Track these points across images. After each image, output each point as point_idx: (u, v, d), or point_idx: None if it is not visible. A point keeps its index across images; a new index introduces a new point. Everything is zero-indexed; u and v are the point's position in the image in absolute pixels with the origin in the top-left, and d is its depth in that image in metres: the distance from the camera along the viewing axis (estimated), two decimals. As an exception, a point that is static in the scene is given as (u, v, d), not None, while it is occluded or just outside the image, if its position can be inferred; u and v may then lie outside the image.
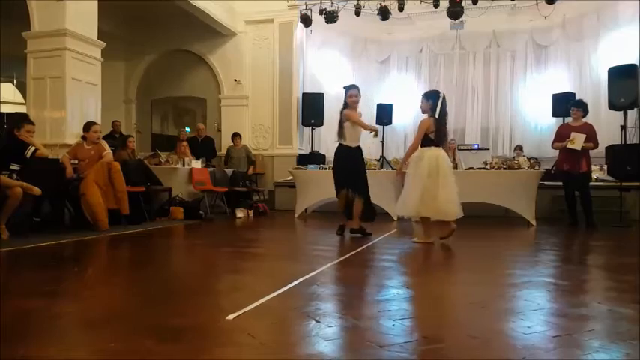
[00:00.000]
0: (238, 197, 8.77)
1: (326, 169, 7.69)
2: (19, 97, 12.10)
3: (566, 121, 7.70)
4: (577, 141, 6.58)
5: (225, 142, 10.23)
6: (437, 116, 4.68)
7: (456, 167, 7.28)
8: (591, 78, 9.80)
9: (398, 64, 11.64)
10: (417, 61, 11.52)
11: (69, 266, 3.83)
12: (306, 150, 10.40)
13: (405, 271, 3.80)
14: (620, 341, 1.90)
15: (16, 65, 9.18)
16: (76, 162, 6.04)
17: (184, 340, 1.87)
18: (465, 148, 10.45)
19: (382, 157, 9.91)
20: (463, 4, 8.81)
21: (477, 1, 8.72)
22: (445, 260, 4.27)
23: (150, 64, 11.40)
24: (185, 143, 9.17)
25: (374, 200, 7.08)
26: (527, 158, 7.50)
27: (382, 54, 11.69)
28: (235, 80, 10.55)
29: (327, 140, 10.20)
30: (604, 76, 8.63)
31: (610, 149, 8.01)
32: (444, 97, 4.75)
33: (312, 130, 10.31)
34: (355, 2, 9.39)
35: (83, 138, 6.22)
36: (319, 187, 7.42)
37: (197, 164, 8.35)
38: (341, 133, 5.29)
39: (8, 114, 10.49)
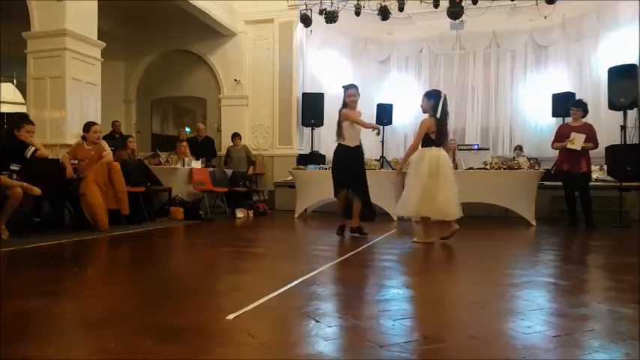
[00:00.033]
0: (238, 197, 8.77)
1: (326, 169, 7.69)
2: (19, 97, 12.10)
3: (566, 121, 7.70)
4: (577, 141, 6.58)
5: (225, 142, 10.23)
6: (438, 116, 4.67)
7: (456, 167, 7.27)
8: (591, 78, 9.80)
9: (398, 64, 11.65)
10: (417, 61, 11.53)
11: (69, 266, 3.84)
12: (306, 150, 10.40)
13: (405, 271, 3.80)
14: (620, 341, 1.90)
15: (16, 65, 9.18)
16: (76, 162, 6.04)
17: (184, 340, 1.87)
18: (465, 148, 10.45)
19: (382, 157, 9.91)
20: (463, 4, 8.82)
21: (477, 1, 8.72)
22: (445, 260, 4.27)
23: (150, 64, 11.40)
24: (185, 143, 9.17)
25: (374, 200, 7.08)
26: (527, 158, 7.50)
27: (382, 54, 11.69)
28: (235, 80, 10.56)
29: (327, 140, 10.19)
30: (604, 76, 8.63)
31: (610, 149, 8.01)
32: (445, 97, 4.75)
33: (312, 130, 10.31)
34: (355, 2, 9.39)
35: (83, 138, 6.23)
36: (319, 187, 7.41)
37: (197, 164, 8.35)
38: (339, 133, 5.29)
39: (8, 114, 10.49)
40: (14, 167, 5.04)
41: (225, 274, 3.57)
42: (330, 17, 9.48)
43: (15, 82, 12.30)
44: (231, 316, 2.15)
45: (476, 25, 9.92)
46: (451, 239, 4.80)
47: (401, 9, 9.28)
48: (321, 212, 8.39)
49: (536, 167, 7.15)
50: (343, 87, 5.39)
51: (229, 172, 9.17)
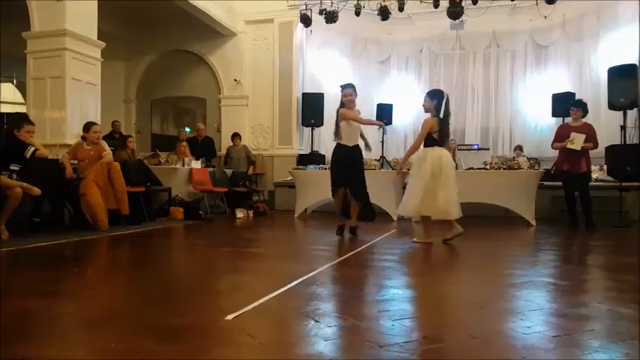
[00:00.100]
0: (238, 197, 8.77)
1: (325, 169, 7.69)
2: (19, 97, 12.09)
3: (566, 121, 7.70)
4: (577, 141, 6.58)
5: (225, 142, 10.23)
6: (441, 116, 4.68)
7: (456, 167, 7.26)
8: (591, 78, 9.80)
9: (398, 64, 11.65)
10: (417, 61, 11.53)
11: (69, 266, 3.84)
12: (306, 150, 10.40)
13: (405, 271, 3.80)
14: (619, 341, 1.90)
15: (16, 65, 9.18)
16: (76, 162, 6.04)
17: (184, 340, 1.87)
18: (465, 148, 10.46)
19: (382, 157, 9.91)
20: (463, 4, 8.82)
21: (476, 1, 8.72)
22: (445, 260, 4.27)
23: (150, 64, 11.40)
24: (185, 143, 9.17)
25: (374, 200, 7.08)
26: (527, 158, 7.50)
27: (382, 54, 11.69)
28: (235, 80, 10.56)
29: (326, 140, 10.19)
30: (604, 76, 8.63)
31: (610, 149, 8.01)
32: (447, 98, 4.76)
33: (312, 130, 10.31)
34: (355, 2, 9.39)
35: (83, 138, 6.23)
36: (319, 187, 7.41)
37: (197, 164, 8.35)
38: (337, 133, 5.29)
39: (8, 114, 10.48)
40: (14, 167, 5.04)
41: (225, 274, 3.57)
42: (330, 17, 9.48)
43: (15, 82, 12.30)
44: (230, 316, 2.15)
45: (476, 25, 9.91)
46: (451, 239, 4.80)
47: (401, 9, 9.28)
48: (320, 212, 8.39)
49: (536, 167, 7.14)
50: (340, 86, 5.40)
51: (229, 172, 9.17)
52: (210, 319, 2.18)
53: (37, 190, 4.92)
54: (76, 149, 6.12)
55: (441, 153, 4.66)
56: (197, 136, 9.96)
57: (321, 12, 9.54)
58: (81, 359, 1.75)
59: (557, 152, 7.05)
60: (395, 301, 2.51)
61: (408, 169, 7.58)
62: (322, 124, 10.03)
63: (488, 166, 7.43)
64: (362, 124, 5.34)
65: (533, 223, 6.83)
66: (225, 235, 6.13)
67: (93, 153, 6.01)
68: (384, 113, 10.52)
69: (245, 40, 10.58)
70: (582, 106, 6.87)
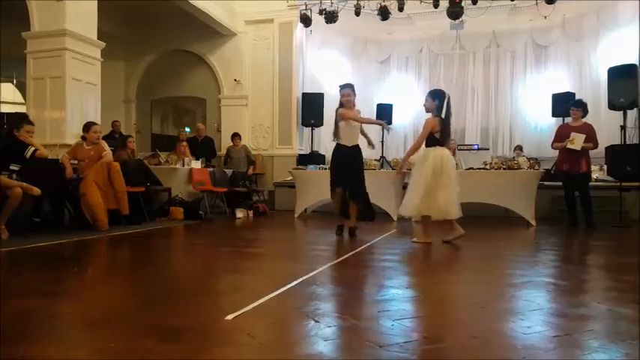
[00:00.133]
0: (238, 197, 8.77)
1: (325, 169, 7.69)
2: (19, 97, 12.09)
3: (566, 121, 7.70)
4: (577, 141, 6.58)
5: (225, 142, 10.23)
6: (443, 116, 4.68)
7: (456, 167, 7.27)
8: (591, 78, 9.80)
9: (398, 64, 11.65)
10: (417, 61, 11.53)
11: (69, 266, 3.84)
12: (305, 150, 10.40)
13: (405, 271, 3.80)
14: (619, 341, 1.90)
15: (16, 65, 9.17)
16: (76, 162, 6.04)
17: (184, 340, 1.87)
18: (465, 148, 10.45)
19: (382, 157, 9.91)
20: (463, 4, 8.81)
21: (476, 1, 8.72)
22: (445, 260, 4.27)
23: (150, 64, 11.40)
24: (185, 143, 9.17)
25: (374, 200, 7.08)
26: (527, 158, 7.50)
27: (382, 54, 11.69)
28: (235, 80, 10.56)
29: (326, 140, 10.17)
30: (604, 76, 8.63)
31: (610, 149, 8.01)
32: (449, 98, 4.76)
33: (312, 130, 10.31)
34: (355, 2, 9.38)
35: (83, 138, 6.22)
36: (319, 187, 7.41)
37: (197, 164, 8.35)
38: (336, 133, 5.29)
39: (8, 114, 10.47)
40: (14, 167, 5.04)
41: (225, 274, 3.57)
42: (330, 17, 9.48)
43: (15, 82, 12.29)
44: (230, 316, 2.15)
45: (476, 25, 9.91)
46: (452, 241, 4.80)
47: (401, 9, 9.28)
48: (320, 212, 8.39)
49: (536, 167, 7.14)
50: (339, 87, 5.39)
51: (229, 172, 9.17)
52: (210, 319, 2.19)
53: (37, 190, 4.92)
54: (76, 149, 6.12)
55: (442, 153, 4.66)
56: (197, 136, 9.95)
57: (321, 12, 9.54)
58: (81, 359, 1.75)
59: (557, 152, 7.05)
60: (395, 301, 2.51)
61: (409, 169, 7.64)
62: (322, 124, 10.03)
63: (488, 166, 7.43)
64: (362, 123, 5.34)
65: (533, 223, 6.83)
66: (225, 235, 6.13)
67: (93, 153, 6.01)
68: (384, 113, 10.50)
69: (245, 40, 10.57)
70: (582, 106, 6.88)
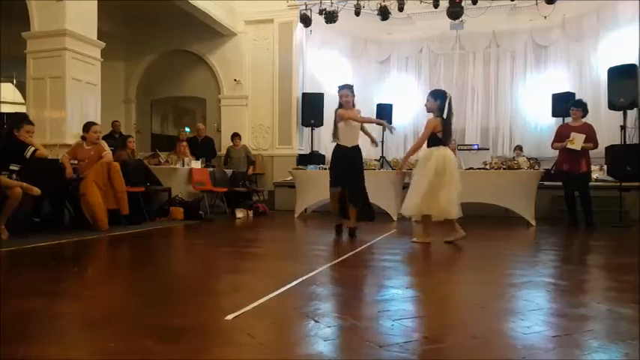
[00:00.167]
0: (238, 197, 8.77)
1: (325, 169, 7.69)
2: (19, 97, 12.08)
3: (566, 121, 7.70)
4: (577, 141, 6.58)
5: (225, 142, 10.23)
6: (445, 116, 4.69)
7: (456, 167, 7.27)
8: (591, 78, 9.80)
9: (398, 64, 11.65)
10: (417, 61, 11.53)
11: (69, 266, 3.84)
12: (305, 150, 10.40)
13: (405, 271, 3.80)
14: (619, 341, 1.90)
15: (16, 65, 9.17)
16: (76, 162, 6.04)
17: (184, 340, 1.88)
18: (465, 148, 10.45)
19: (382, 157, 9.91)
20: (463, 4, 8.81)
21: (476, 1, 8.71)
22: (445, 260, 4.27)
23: (150, 64, 11.40)
24: (185, 143, 9.17)
25: (374, 200, 7.07)
26: (527, 158, 7.50)
27: (382, 54, 11.69)
28: (235, 80, 10.56)
29: (326, 140, 10.17)
30: (604, 76, 8.63)
31: (610, 149, 8.01)
32: (450, 98, 4.76)
33: (312, 130, 10.31)
34: (355, 2, 9.38)
35: (83, 138, 6.22)
36: (319, 187, 7.40)
37: (197, 164, 8.35)
38: (335, 134, 5.28)
39: (8, 114, 10.47)
40: (14, 167, 5.04)
41: (225, 274, 3.57)
42: (330, 17, 9.48)
43: (15, 82, 12.29)
44: (230, 316, 2.15)
45: (476, 25, 9.91)
46: (453, 242, 4.79)
47: (401, 9, 9.28)
48: (320, 212, 8.39)
49: (536, 167, 7.15)
50: (338, 87, 5.39)
51: (229, 172, 9.17)
52: (210, 319, 2.19)
53: (36, 190, 4.92)
54: (76, 149, 6.12)
55: (445, 152, 4.66)
56: (197, 136, 9.96)
57: (320, 12, 9.54)
58: (81, 359, 1.75)
59: (557, 152, 7.05)
60: (395, 301, 2.51)
61: (409, 169, 7.64)
62: (322, 124, 10.03)
63: (488, 166, 7.43)
64: (361, 122, 5.32)
65: (533, 223, 6.83)
66: (225, 235, 6.13)
67: (93, 153, 6.01)
68: (384, 113, 10.50)
69: (245, 40, 10.58)
70: (582, 106, 6.87)
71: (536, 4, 9.04)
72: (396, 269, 3.69)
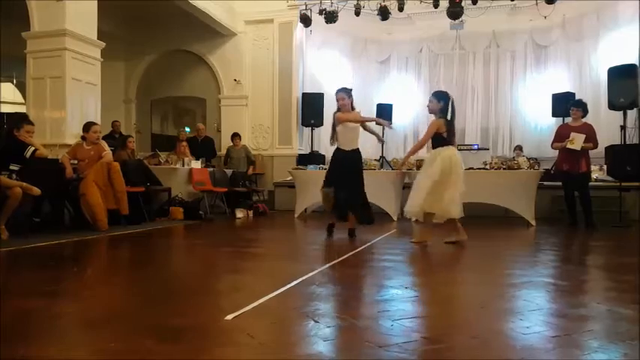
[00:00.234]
0: (238, 197, 8.77)
1: (325, 169, 7.68)
2: (19, 97, 12.09)
3: (565, 121, 7.70)
4: (577, 141, 6.58)
5: (225, 142, 10.23)
6: (449, 117, 4.70)
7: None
8: (591, 78, 9.80)
9: (398, 64, 11.64)
10: (417, 61, 11.52)
11: (69, 266, 3.84)
12: (305, 150, 10.40)
13: (405, 271, 3.80)
14: (619, 342, 1.90)
15: (16, 65, 9.17)
16: (76, 162, 6.04)
17: (184, 340, 1.88)
18: (465, 148, 10.42)
19: (382, 157, 9.91)
20: (463, 4, 8.81)
21: (476, 1, 8.71)
22: (445, 260, 4.27)
23: (150, 64, 11.40)
24: (185, 143, 9.17)
25: (374, 200, 7.07)
26: (526, 158, 7.50)
27: (382, 54, 11.69)
28: (235, 80, 10.56)
29: (326, 140, 10.13)
30: (604, 76, 8.63)
31: (610, 149, 8.01)
32: (453, 100, 4.77)
33: (312, 130, 10.31)
34: (355, 2, 9.39)
35: (83, 138, 6.23)
36: (319, 188, 7.36)
37: (197, 164, 8.35)
38: (333, 137, 5.27)
39: (8, 114, 10.47)
40: (14, 167, 5.04)
41: (225, 274, 3.57)
42: (330, 17, 9.48)
43: (15, 82, 12.29)
44: (230, 316, 2.15)
45: (476, 25, 9.91)
46: (453, 243, 4.79)
47: (401, 9, 9.28)
48: (320, 212, 8.36)
49: (536, 167, 7.14)
50: (335, 91, 5.38)
51: (229, 172, 9.17)
52: (210, 319, 2.19)
53: (36, 190, 4.92)
54: (76, 149, 6.12)
55: (451, 152, 4.66)
56: (197, 136, 9.96)
57: (320, 12, 9.54)
58: (81, 359, 1.75)
59: (557, 152, 7.05)
60: (394, 302, 2.51)
61: (409, 169, 7.65)
62: (322, 124, 10.03)
63: (488, 166, 7.43)
64: (361, 122, 5.31)
65: (533, 223, 6.83)
66: (225, 235, 6.13)
67: (93, 153, 6.01)
68: (384, 113, 10.49)
69: (245, 40, 10.58)
70: (582, 106, 6.87)
71: (536, 4, 9.04)
72: (395, 269, 3.69)
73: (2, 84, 12.18)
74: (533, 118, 10.64)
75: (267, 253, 4.69)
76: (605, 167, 8.22)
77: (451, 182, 4.59)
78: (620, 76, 8.01)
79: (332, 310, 2.41)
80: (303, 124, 10.37)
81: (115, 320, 2.17)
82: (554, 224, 7.12)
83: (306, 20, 9.74)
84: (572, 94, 9.08)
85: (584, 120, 6.86)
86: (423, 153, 7.51)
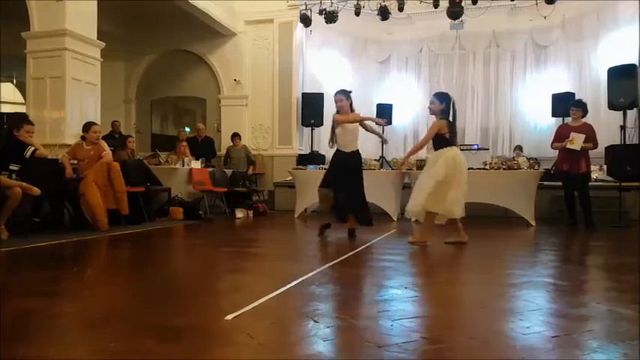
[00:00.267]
0: (238, 197, 8.77)
1: (325, 169, 7.69)
2: (19, 97, 12.09)
3: (565, 121, 7.70)
4: (576, 141, 6.58)
5: (225, 142, 10.23)
6: (451, 119, 4.70)
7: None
8: (591, 78, 9.80)
9: (398, 64, 11.65)
10: (417, 61, 11.53)
11: (69, 266, 3.84)
12: (305, 150, 10.40)
13: (404, 271, 3.80)
14: (619, 342, 1.90)
15: (16, 65, 9.18)
16: (76, 162, 6.04)
17: (184, 340, 1.88)
18: (465, 148, 10.40)
19: (382, 157, 9.91)
20: (463, 4, 8.81)
21: (476, 1, 8.71)
22: (445, 260, 4.27)
23: (150, 64, 11.40)
24: (185, 143, 9.17)
25: (374, 200, 7.07)
26: (526, 158, 7.50)
27: (382, 54, 11.69)
28: (235, 80, 10.56)
29: (326, 140, 10.16)
30: (604, 76, 8.63)
31: (610, 149, 8.00)
32: (454, 101, 4.78)
33: (312, 130, 10.32)
34: (355, 2, 9.39)
35: (82, 138, 6.22)
36: (318, 187, 7.40)
37: (197, 164, 8.35)
38: (332, 139, 5.26)
39: (8, 114, 10.47)
40: (13, 167, 5.04)
41: (224, 274, 3.57)
42: (330, 17, 9.48)
43: (15, 82, 12.29)
44: (230, 316, 2.15)
45: (476, 25, 9.92)
46: (453, 244, 4.79)
47: (401, 9, 9.28)
48: (320, 212, 8.37)
49: (536, 167, 7.15)
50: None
51: (229, 172, 9.17)
52: (210, 319, 2.19)
53: (36, 190, 4.92)
54: (76, 149, 6.12)
55: (455, 153, 4.67)
56: (197, 136, 9.96)
57: (320, 12, 9.54)
58: (81, 359, 1.75)
59: (556, 152, 7.05)
60: (394, 302, 2.52)
61: (409, 169, 7.65)
62: (322, 124, 10.04)
63: (488, 166, 7.43)
64: (360, 121, 5.29)
65: (533, 223, 6.83)
66: (225, 235, 6.13)
67: (92, 153, 6.01)
68: (384, 113, 10.50)
69: (245, 40, 10.58)
70: (582, 106, 6.88)
71: (536, 4, 9.04)
72: (395, 269, 3.69)
73: (2, 84, 12.18)
74: (533, 118, 10.64)
75: (267, 253, 4.69)
76: (605, 167, 8.21)
77: (455, 183, 4.60)
78: (620, 76, 8.01)
79: (332, 310, 2.41)
80: (303, 124, 10.38)
81: (115, 320, 2.17)
82: (554, 224, 7.12)
83: (306, 20, 9.74)
84: (572, 94, 9.09)
85: (583, 120, 6.86)
86: (422, 153, 7.55)
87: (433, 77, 11.31)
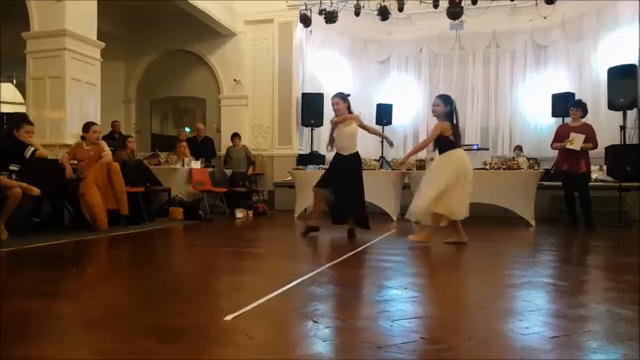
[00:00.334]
0: (238, 197, 8.77)
1: (325, 169, 7.69)
2: (19, 97, 12.09)
3: (565, 122, 7.70)
4: (576, 141, 6.58)
5: (225, 142, 10.23)
6: (454, 122, 4.71)
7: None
8: (591, 78, 9.80)
9: (398, 64, 11.65)
10: (417, 62, 11.53)
11: (69, 266, 3.84)
12: (305, 150, 10.40)
13: (404, 271, 3.79)
14: (618, 342, 1.90)
15: (16, 65, 9.18)
16: (76, 162, 6.04)
17: (184, 340, 1.88)
18: (465, 148, 10.34)
19: (382, 157, 9.91)
20: (463, 4, 8.82)
21: (476, 2, 8.72)
22: (444, 260, 4.28)
23: (150, 64, 11.41)
24: (185, 143, 9.18)
25: (374, 200, 7.09)
26: (526, 158, 7.50)
27: (382, 54, 11.69)
28: (235, 80, 10.56)
29: (326, 141, 10.18)
30: (604, 76, 8.63)
31: (609, 149, 8.00)
32: (455, 104, 4.79)
33: (312, 130, 10.32)
34: (355, 2, 9.39)
35: (82, 138, 6.22)
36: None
37: (196, 164, 8.35)
38: (331, 142, 5.26)
39: (8, 114, 10.46)
40: (13, 167, 5.04)
41: (224, 274, 3.57)
42: (330, 17, 9.48)
43: (15, 82, 12.30)
44: (230, 317, 2.15)
45: (475, 25, 9.92)
46: (453, 244, 4.79)
47: (401, 9, 9.29)
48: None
49: (536, 167, 7.15)
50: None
51: (229, 172, 9.17)
52: (209, 320, 2.19)
53: (36, 190, 4.92)
54: (76, 149, 6.12)
55: (459, 154, 4.68)
56: (197, 136, 9.96)
57: (320, 12, 9.54)
58: (81, 359, 1.75)
59: (556, 152, 7.05)
60: (394, 302, 2.52)
61: (409, 169, 7.65)
62: (322, 124, 10.04)
63: (487, 166, 7.43)
64: (361, 125, 5.29)
65: (533, 223, 6.84)
66: (225, 235, 6.13)
67: (92, 153, 6.01)
68: (384, 113, 10.54)
69: (245, 40, 10.58)
70: (582, 107, 6.88)
71: (536, 4, 9.04)
72: (395, 269, 3.69)
73: (2, 84, 12.19)
74: (533, 118, 10.65)
75: (267, 253, 4.69)
76: (604, 167, 8.22)
77: (460, 184, 4.60)
78: (620, 76, 8.01)
79: (331, 311, 2.41)
80: (303, 124, 10.38)
81: (115, 320, 2.17)
82: (554, 224, 7.12)
83: (305, 20, 9.74)
84: (572, 94, 9.09)
85: (583, 120, 6.86)
86: (422, 154, 7.55)
87: (433, 77, 11.32)
